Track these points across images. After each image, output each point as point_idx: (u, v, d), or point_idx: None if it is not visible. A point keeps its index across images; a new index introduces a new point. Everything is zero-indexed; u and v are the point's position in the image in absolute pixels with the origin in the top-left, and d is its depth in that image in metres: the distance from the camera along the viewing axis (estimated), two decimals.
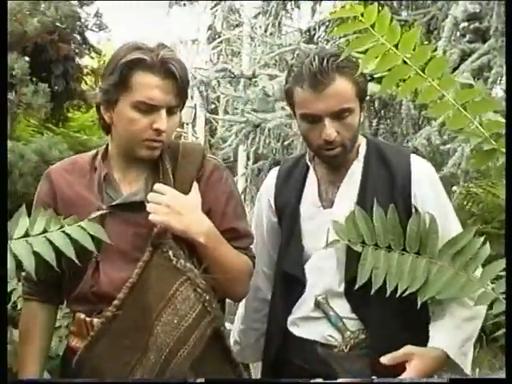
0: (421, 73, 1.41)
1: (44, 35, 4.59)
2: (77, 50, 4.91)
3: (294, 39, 7.67)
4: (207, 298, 1.49)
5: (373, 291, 1.51)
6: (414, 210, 1.63)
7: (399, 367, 1.54)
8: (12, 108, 4.91)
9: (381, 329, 1.64)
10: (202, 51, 17.03)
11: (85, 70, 5.16)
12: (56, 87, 4.80)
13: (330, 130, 1.62)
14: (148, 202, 1.50)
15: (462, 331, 1.60)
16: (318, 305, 1.69)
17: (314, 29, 8.20)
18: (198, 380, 1.52)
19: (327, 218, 1.66)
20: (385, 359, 1.54)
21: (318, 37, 7.98)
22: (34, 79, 4.58)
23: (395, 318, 1.63)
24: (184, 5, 15.70)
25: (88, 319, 1.54)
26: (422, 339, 1.60)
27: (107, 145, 1.64)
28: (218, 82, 7.62)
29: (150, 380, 1.45)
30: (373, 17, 1.44)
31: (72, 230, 1.45)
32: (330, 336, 1.68)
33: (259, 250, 1.85)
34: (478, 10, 3.71)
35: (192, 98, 12.13)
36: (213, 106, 13.92)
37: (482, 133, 1.46)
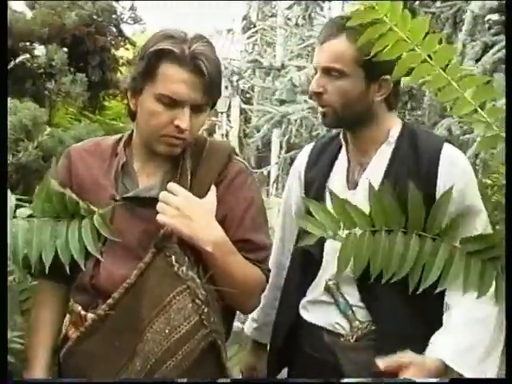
0: (429, 60, 1.49)
1: (82, 28, 4.71)
2: (112, 42, 5.00)
3: None
4: (205, 310, 1.39)
5: (384, 280, 1.44)
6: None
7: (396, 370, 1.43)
8: (51, 96, 5.11)
9: (390, 322, 1.55)
10: (237, 41, 17.06)
11: (120, 61, 5.19)
12: (93, 77, 4.89)
13: (316, 82, 1.58)
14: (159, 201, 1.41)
15: (462, 338, 1.45)
16: (327, 289, 1.62)
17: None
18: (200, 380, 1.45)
19: (350, 199, 1.56)
20: (380, 362, 1.43)
21: None
22: (72, 69, 4.74)
23: (406, 312, 1.54)
24: None
25: (83, 313, 1.47)
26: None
27: (132, 131, 1.56)
28: (254, 71, 7.69)
29: (139, 380, 1.38)
30: (385, 8, 1.54)
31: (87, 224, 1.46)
32: (338, 324, 1.61)
33: (288, 225, 1.81)
34: (494, 6, 3.76)
35: (227, 87, 12.28)
36: (248, 95, 14.01)
37: (486, 119, 1.54)
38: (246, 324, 1.93)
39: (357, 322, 1.58)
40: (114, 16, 4.93)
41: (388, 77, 1.56)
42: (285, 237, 1.83)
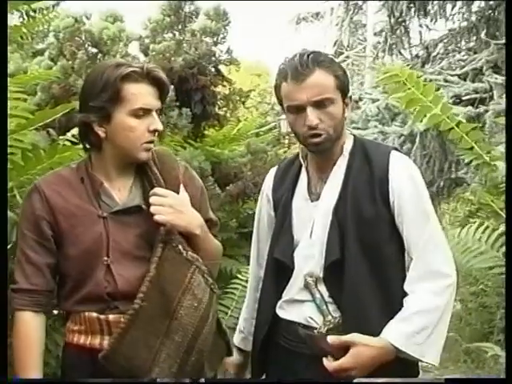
0: (439, 112, 2.35)
1: (186, 69, 5.21)
2: (212, 81, 5.38)
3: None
4: (211, 280, 1.65)
5: None
6: (392, 205, 1.66)
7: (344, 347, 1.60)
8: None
9: (356, 315, 1.65)
10: None
11: (218, 96, 5.62)
12: (195, 110, 5.29)
13: (312, 116, 1.65)
14: (150, 205, 1.60)
15: (410, 323, 1.59)
16: (306, 285, 1.72)
17: (430, 46, 8.59)
18: (201, 380, 1.67)
19: (314, 210, 1.75)
20: (331, 338, 1.61)
21: (435, 56, 8.33)
22: (178, 104, 5.18)
23: (371, 304, 1.66)
24: (311, 21, 16.02)
25: (102, 316, 1.61)
26: None
27: (88, 158, 1.69)
28: None
29: (143, 381, 1.54)
30: (406, 74, 2.40)
31: None
32: (311, 318, 1.71)
33: (262, 243, 1.95)
34: None
35: None
36: None
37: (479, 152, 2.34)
38: (235, 335, 2.03)
39: (329, 317, 1.69)
40: (213, 58, 5.39)
41: (351, 94, 1.73)
42: (259, 252, 1.97)
